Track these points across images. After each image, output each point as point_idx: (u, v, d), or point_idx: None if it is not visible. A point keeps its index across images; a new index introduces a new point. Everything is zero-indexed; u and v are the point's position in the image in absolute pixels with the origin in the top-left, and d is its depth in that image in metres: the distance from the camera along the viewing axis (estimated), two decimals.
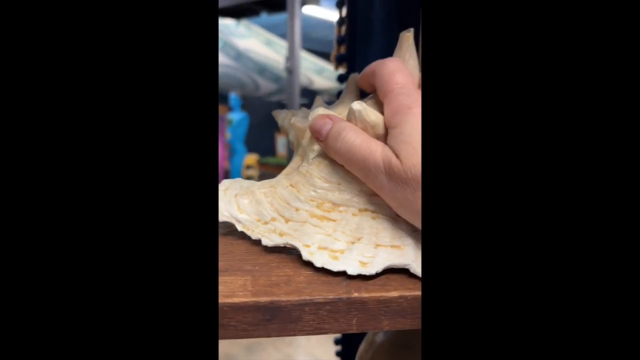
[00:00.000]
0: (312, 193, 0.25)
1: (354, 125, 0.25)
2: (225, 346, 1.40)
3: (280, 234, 0.25)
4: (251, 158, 2.75)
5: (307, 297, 0.20)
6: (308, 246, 0.24)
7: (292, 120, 0.30)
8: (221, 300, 0.20)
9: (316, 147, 0.28)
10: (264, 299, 0.20)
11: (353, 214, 0.25)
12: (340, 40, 0.55)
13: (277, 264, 0.24)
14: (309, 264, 0.24)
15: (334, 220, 0.25)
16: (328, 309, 0.21)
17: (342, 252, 0.23)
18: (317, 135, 0.25)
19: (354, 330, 0.21)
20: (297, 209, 0.25)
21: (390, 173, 0.22)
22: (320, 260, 0.23)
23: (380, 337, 0.41)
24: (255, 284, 0.22)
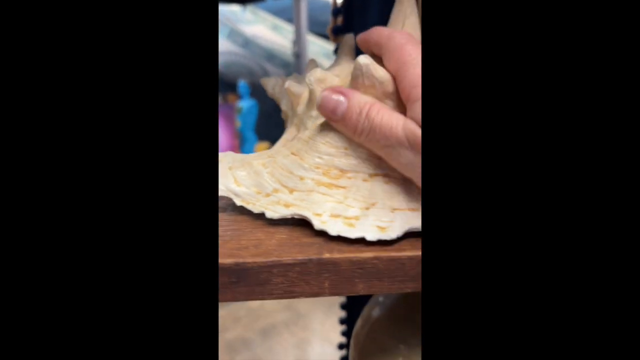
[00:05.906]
0: (317, 160, 0.23)
1: (372, 99, 0.23)
2: (240, 331, 1.42)
3: (286, 205, 0.23)
4: (262, 146, 2.74)
5: (275, 259, 0.20)
6: (319, 215, 0.22)
7: (287, 85, 0.28)
8: None
9: (315, 112, 0.26)
10: (228, 260, 0.19)
11: (364, 180, 0.23)
12: (336, 12, 0.54)
13: (250, 230, 0.23)
14: (283, 229, 0.23)
15: (343, 188, 0.23)
16: (298, 270, 0.20)
17: (357, 218, 0.22)
18: (330, 115, 0.23)
19: (326, 294, 0.20)
20: (301, 178, 0.23)
21: (416, 145, 0.21)
22: (334, 228, 0.22)
23: (376, 312, 0.40)
24: (223, 247, 0.21)
